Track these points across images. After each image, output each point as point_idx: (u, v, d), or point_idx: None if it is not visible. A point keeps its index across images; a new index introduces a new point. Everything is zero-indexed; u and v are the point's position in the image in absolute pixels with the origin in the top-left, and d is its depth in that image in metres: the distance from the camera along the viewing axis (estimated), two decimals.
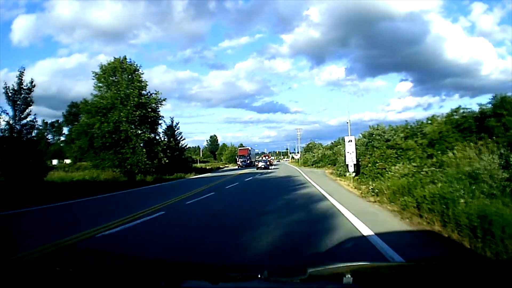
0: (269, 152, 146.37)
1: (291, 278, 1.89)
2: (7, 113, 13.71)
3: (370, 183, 11.01)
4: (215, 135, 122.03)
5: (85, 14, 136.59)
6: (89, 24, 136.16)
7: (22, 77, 14.12)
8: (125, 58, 24.79)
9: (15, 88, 13.92)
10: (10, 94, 13.77)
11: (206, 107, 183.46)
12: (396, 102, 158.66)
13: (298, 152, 75.01)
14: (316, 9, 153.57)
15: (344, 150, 17.65)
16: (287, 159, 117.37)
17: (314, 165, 40.56)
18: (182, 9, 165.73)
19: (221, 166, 58.74)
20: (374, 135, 19.41)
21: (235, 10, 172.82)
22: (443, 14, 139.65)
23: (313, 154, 44.59)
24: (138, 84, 24.01)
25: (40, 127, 27.90)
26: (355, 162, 16.35)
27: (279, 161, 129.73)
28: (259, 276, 1.82)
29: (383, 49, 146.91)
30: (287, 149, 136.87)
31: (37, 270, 1.74)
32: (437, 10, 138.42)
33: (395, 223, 6.12)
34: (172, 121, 38.97)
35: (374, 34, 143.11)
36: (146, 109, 23.90)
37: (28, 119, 14.20)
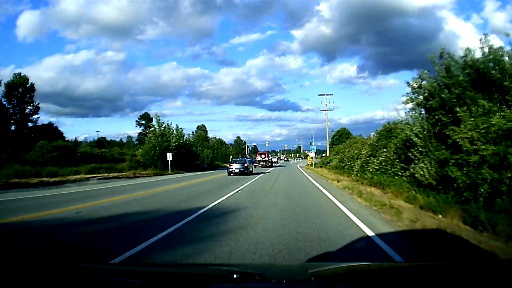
0: (279, 151, 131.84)
1: (292, 278, 1.85)
2: None
3: None
4: (203, 125, 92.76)
5: (91, 9, 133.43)
6: (95, 20, 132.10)
7: None
8: None
9: None
10: None
11: (216, 105, 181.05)
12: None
13: (312, 150, 45.16)
14: (327, 4, 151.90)
15: None
16: (300, 160, 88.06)
17: None
18: (189, 4, 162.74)
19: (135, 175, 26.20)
20: None
21: (243, 5, 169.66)
22: (456, 11, 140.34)
23: None
24: None
25: None
26: None
27: (287, 160, 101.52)
28: (259, 276, 1.84)
29: (395, 46, 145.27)
30: (299, 146, 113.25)
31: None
32: (450, 6, 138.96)
33: None
34: None
35: (385, 31, 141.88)
36: None
37: None
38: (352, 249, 4.42)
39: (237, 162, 25.97)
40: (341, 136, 66.54)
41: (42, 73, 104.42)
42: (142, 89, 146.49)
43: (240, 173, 23.66)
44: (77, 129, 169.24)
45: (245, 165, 25.03)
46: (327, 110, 42.49)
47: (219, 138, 72.31)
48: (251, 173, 25.00)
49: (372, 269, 2.03)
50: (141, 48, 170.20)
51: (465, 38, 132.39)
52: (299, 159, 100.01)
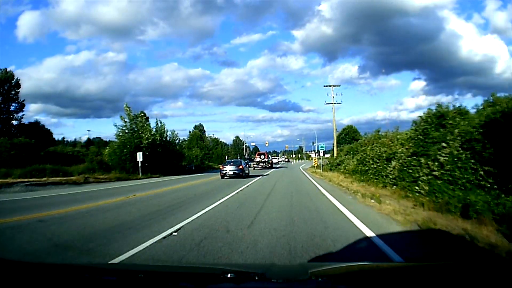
0: (280, 152, 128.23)
1: (292, 278, 1.82)
2: None
3: None
4: (201, 124, 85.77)
5: (90, 10, 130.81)
6: (95, 20, 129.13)
7: None
8: None
9: None
10: None
11: (217, 105, 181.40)
12: (409, 101, 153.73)
13: (321, 149, 38.45)
14: (328, 3, 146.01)
15: None
16: (302, 161, 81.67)
17: None
18: (189, 4, 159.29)
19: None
20: None
21: (244, 5, 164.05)
22: (457, 11, 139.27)
23: None
24: None
25: None
26: None
27: (288, 160, 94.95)
28: (259, 276, 1.81)
29: (396, 46, 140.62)
30: (300, 147, 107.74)
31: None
32: (451, 6, 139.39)
33: None
34: None
35: (387, 30, 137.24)
36: None
37: None
38: None
39: (231, 163, 22.61)
40: (347, 134, 58.73)
41: (42, 74, 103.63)
42: (143, 90, 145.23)
43: (235, 175, 20.91)
44: (78, 130, 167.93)
45: (240, 167, 21.83)
46: (334, 103, 35.96)
47: (215, 138, 65.80)
48: (247, 176, 22.43)
49: (372, 269, 2.03)
50: (142, 49, 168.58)
51: (466, 38, 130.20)
52: (301, 160, 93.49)
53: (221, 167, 22.57)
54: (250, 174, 23.90)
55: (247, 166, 26.31)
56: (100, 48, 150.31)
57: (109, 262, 3.53)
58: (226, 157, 44.26)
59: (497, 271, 1.61)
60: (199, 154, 39.31)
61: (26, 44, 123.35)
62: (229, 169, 21.32)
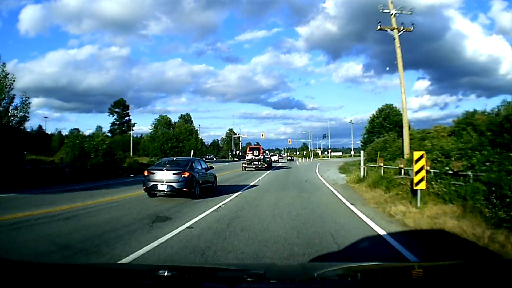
0: (283, 149, 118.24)
1: (292, 278, 1.84)
2: None
3: None
4: (187, 114, 70.16)
5: (92, 3, 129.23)
6: (97, 14, 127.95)
7: None
8: None
9: None
10: None
11: (221, 102, 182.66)
12: (413, 100, 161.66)
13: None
14: (332, 1, 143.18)
15: None
16: (311, 160, 66.97)
17: None
18: None
19: None
20: None
21: (248, 1, 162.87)
22: (462, 10, 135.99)
23: None
24: None
25: None
26: None
27: (292, 159, 79.25)
28: (259, 276, 1.80)
29: (400, 44, 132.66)
30: (305, 144, 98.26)
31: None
32: (457, 6, 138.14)
33: None
34: None
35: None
36: None
37: None
38: None
39: (167, 166, 10.71)
40: (386, 119, 36.85)
41: (45, 68, 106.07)
42: (147, 85, 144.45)
43: (174, 192, 10.10)
44: (82, 124, 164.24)
45: (184, 174, 10.20)
46: (399, 29, 17.63)
47: (188, 125, 50.42)
48: (211, 190, 11.84)
49: (373, 269, 1.99)
50: (145, 44, 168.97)
51: (472, 38, 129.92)
52: (308, 159, 77.72)
53: (145, 173, 10.83)
54: (217, 186, 12.73)
55: (207, 170, 12.12)
56: (103, 42, 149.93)
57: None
58: (192, 152, 29.08)
59: (502, 272, 1.56)
60: (101, 146, 20.07)
61: (28, 38, 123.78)
62: (163, 178, 10.17)
